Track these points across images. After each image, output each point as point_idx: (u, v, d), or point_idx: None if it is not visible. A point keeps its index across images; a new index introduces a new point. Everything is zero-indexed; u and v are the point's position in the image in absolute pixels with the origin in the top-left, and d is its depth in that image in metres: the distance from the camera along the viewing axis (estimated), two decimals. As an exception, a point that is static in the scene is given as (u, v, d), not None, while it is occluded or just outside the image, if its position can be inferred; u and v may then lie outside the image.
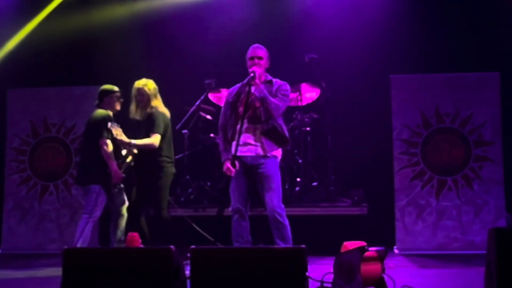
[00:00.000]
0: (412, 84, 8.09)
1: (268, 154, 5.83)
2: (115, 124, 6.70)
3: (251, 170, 5.82)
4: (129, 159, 6.95)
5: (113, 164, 6.70)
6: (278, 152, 5.95)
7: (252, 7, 9.12)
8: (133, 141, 6.63)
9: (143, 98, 6.84)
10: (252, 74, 5.78)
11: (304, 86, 8.35)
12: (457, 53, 8.47)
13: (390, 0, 8.83)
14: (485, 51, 8.32)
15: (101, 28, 9.26)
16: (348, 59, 8.73)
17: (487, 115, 7.91)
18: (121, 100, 7.06)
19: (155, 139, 6.67)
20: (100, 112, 6.91)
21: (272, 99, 5.77)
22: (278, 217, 5.71)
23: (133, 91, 6.87)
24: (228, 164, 5.76)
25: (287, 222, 5.76)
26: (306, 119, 8.37)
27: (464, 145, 7.94)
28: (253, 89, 5.78)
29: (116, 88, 7.04)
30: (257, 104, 5.78)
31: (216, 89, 8.34)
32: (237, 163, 5.74)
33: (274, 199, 5.76)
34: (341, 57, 8.71)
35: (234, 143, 5.76)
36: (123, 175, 6.79)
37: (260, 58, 5.92)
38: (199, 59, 8.95)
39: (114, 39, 9.20)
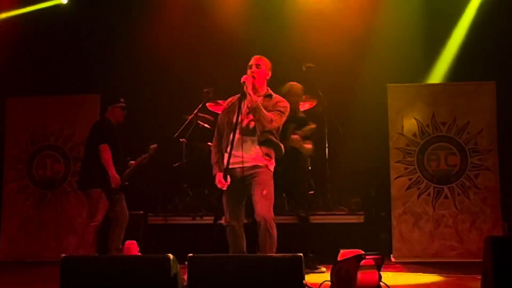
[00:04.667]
0: (409, 93, 8.11)
1: (260, 164, 5.64)
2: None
3: (242, 181, 5.63)
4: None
5: (112, 170, 6.74)
6: (271, 163, 5.75)
7: (250, 18, 9.17)
8: None
9: None
10: (243, 84, 5.62)
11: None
12: (454, 62, 8.50)
13: (387, 10, 8.86)
14: (481, 61, 8.34)
15: (100, 37, 9.27)
16: (345, 68, 8.75)
17: (483, 124, 7.93)
18: (125, 111, 7.10)
19: None
20: (102, 119, 6.99)
21: (265, 111, 5.58)
22: (267, 226, 5.48)
23: None
24: (219, 177, 5.59)
25: (275, 233, 5.52)
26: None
27: (461, 153, 7.96)
28: (246, 100, 5.65)
29: (121, 99, 7.07)
30: (251, 116, 5.63)
31: (214, 98, 8.34)
32: (228, 176, 5.55)
33: (264, 206, 5.53)
34: (338, 66, 8.74)
35: (226, 155, 5.62)
36: (121, 181, 6.83)
37: (258, 65, 5.75)
38: (198, 68, 8.96)
39: (114, 48, 9.21)
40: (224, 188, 5.58)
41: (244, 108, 5.66)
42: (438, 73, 8.50)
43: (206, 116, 8.46)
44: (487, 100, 7.97)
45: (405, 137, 8.00)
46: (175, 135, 8.28)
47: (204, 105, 8.33)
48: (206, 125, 8.45)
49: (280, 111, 5.72)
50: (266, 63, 5.84)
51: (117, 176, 6.78)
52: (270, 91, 5.86)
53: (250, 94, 5.59)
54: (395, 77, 8.38)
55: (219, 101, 8.31)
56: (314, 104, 8.43)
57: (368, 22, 8.84)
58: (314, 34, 8.94)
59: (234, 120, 5.63)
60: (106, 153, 6.75)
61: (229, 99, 5.98)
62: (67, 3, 9.37)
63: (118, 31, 9.26)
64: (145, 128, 8.94)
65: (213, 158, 5.81)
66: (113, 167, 6.77)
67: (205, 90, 8.27)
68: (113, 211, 6.91)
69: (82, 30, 9.27)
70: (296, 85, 7.11)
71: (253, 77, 5.70)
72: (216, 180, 5.64)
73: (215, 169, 5.72)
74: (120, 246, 6.86)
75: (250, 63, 5.81)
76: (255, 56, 5.87)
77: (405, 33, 8.71)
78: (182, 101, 8.75)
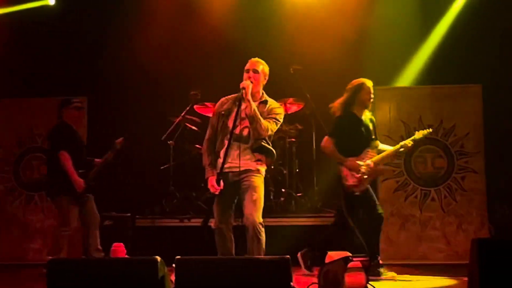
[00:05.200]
0: (395, 96, 8.14)
1: (252, 168, 5.63)
2: None
3: (234, 185, 5.62)
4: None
5: (74, 175, 6.77)
6: (263, 168, 5.74)
7: (238, 20, 9.17)
8: None
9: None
10: (243, 90, 5.50)
11: (289, 101, 8.35)
12: (440, 65, 8.54)
13: (374, 14, 8.90)
14: (468, 64, 8.38)
15: (88, 39, 9.23)
16: (333, 70, 8.76)
17: (470, 126, 7.98)
18: (81, 109, 7.18)
19: None
20: (59, 123, 7.03)
21: (262, 120, 5.55)
22: (256, 232, 5.46)
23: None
24: (212, 182, 5.56)
25: (263, 237, 5.50)
26: (291, 130, 8.40)
27: (447, 156, 8.00)
28: (243, 106, 5.57)
29: (73, 100, 7.10)
30: (246, 123, 5.58)
31: (201, 100, 8.33)
32: (221, 181, 5.53)
33: (253, 212, 5.49)
34: (326, 68, 8.75)
35: (219, 160, 5.60)
36: (86, 184, 6.84)
37: (255, 71, 5.65)
38: (185, 70, 8.94)
39: (101, 50, 9.18)
40: (217, 193, 5.54)
41: (240, 115, 5.58)
42: (425, 76, 8.53)
43: (194, 118, 8.46)
44: (473, 103, 8.02)
45: (391, 139, 8.02)
46: (162, 138, 8.28)
47: (191, 108, 8.33)
48: (193, 127, 8.44)
49: (275, 118, 5.70)
50: (263, 68, 5.75)
51: (80, 180, 6.81)
52: (265, 96, 5.81)
53: (249, 101, 5.51)
54: (383, 80, 8.40)
55: (206, 103, 8.31)
56: (301, 106, 8.46)
57: (356, 25, 8.86)
58: (302, 37, 8.96)
59: (230, 125, 5.59)
60: (66, 160, 6.78)
61: (222, 100, 5.86)
62: (54, 4, 9.32)
63: (106, 33, 9.22)
64: (133, 130, 8.92)
65: (205, 160, 5.75)
66: (74, 172, 6.80)
67: (192, 92, 8.27)
68: (83, 214, 6.92)
69: (69, 32, 9.21)
70: (369, 82, 6.69)
71: (251, 82, 5.61)
72: (209, 184, 5.61)
73: (208, 172, 5.67)
74: (99, 246, 6.86)
75: (247, 67, 5.71)
76: (253, 59, 5.77)
77: (392, 36, 8.74)
78: (170, 104, 8.75)
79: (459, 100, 8.06)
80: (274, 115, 5.70)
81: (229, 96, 5.82)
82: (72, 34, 9.21)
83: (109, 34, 9.23)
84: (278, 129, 8.23)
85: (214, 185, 5.53)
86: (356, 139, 6.56)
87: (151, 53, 9.14)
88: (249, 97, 5.51)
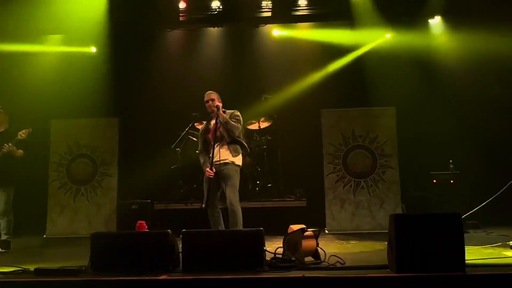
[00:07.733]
0: (335, 115, 8.17)
1: (229, 161, 5.79)
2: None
3: (217, 173, 5.78)
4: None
5: None
6: (238, 159, 5.88)
7: (226, 61, 9.20)
8: None
9: None
10: (217, 108, 5.82)
11: (262, 119, 8.37)
12: (365, 93, 8.57)
13: (318, 54, 8.99)
14: (385, 91, 8.40)
15: (121, 76, 9.02)
16: (294, 98, 8.80)
17: (387, 136, 8.02)
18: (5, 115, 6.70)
19: None
20: None
21: (232, 122, 5.80)
22: (233, 207, 5.63)
23: None
24: (208, 170, 5.72)
25: (239, 211, 5.65)
26: (263, 140, 8.41)
27: (372, 157, 8.02)
28: (219, 118, 5.81)
29: None
30: (221, 129, 5.78)
31: (200, 119, 8.29)
32: (213, 168, 5.73)
33: (230, 193, 5.69)
34: (289, 96, 8.80)
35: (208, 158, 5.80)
36: None
37: (212, 100, 5.90)
38: (189, 97, 8.86)
39: (130, 83, 9.08)
40: (212, 176, 5.68)
41: (213, 126, 5.85)
42: (356, 100, 8.55)
43: (194, 132, 8.42)
44: (390, 120, 8.06)
45: (333, 145, 8.06)
46: (172, 146, 8.26)
47: (193, 124, 8.31)
48: (194, 139, 8.40)
49: (238, 119, 5.90)
50: (216, 96, 5.95)
51: None
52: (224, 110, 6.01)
53: (222, 114, 5.79)
54: (327, 104, 8.43)
55: (204, 121, 8.26)
56: (270, 123, 8.48)
57: (315, 66, 8.95)
58: (272, 73, 9.07)
59: (209, 135, 5.85)
60: None
61: (202, 126, 6.15)
62: (96, 52, 9.19)
63: (135, 71, 9.14)
64: (153, 141, 8.88)
65: (201, 160, 5.94)
66: None
67: (193, 113, 8.24)
68: None
69: (108, 70, 8.93)
70: None
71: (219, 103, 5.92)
72: (206, 174, 5.75)
73: (205, 166, 5.82)
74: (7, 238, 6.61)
75: (206, 99, 5.93)
76: (207, 92, 5.98)
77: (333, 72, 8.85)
78: (178, 121, 8.67)
79: (380, 118, 8.09)
80: (236, 117, 5.91)
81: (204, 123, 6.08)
82: (110, 72, 9.00)
83: (138, 72, 9.17)
84: (254, 139, 8.32)
85: (209, 171, 5.70)
86: None
87: (166, 85, 9.15)
88: (221, 111, 5.81)
